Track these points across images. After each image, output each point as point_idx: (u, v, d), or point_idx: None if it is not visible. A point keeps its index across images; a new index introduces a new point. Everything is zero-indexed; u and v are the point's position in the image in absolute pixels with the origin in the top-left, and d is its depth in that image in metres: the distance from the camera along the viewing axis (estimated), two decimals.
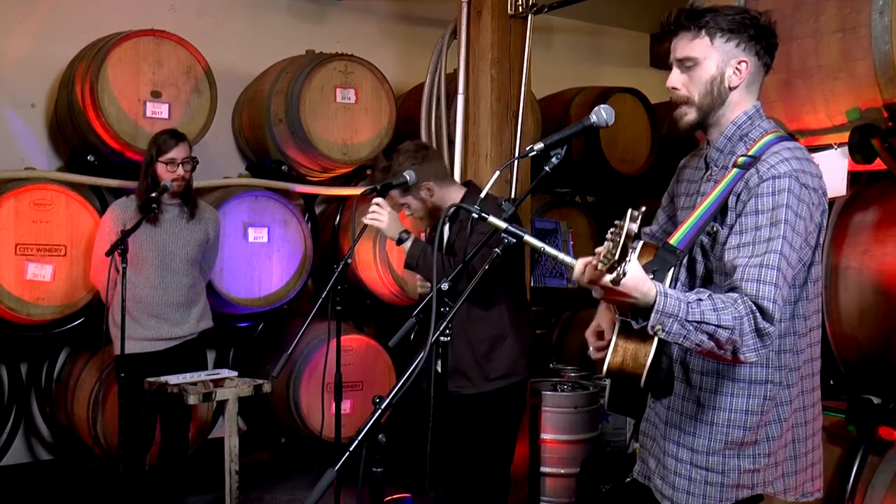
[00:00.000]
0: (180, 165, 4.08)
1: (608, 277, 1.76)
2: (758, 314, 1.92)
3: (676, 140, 5.98)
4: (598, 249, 1.82)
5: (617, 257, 1.71)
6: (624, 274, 1.74)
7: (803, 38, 3.07)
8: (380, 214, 3.47)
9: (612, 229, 1.75)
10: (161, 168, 4.06)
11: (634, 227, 1.70)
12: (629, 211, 1.70)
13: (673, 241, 2.06)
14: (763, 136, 2.13)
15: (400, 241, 3.49)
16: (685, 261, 2.16)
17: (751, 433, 2.13)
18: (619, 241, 1.71)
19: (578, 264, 1.91)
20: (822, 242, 2.13)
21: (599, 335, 2.30)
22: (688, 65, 2.14)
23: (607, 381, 2.12)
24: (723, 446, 2.15)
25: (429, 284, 3.58)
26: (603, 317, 2.33)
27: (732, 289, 1.97)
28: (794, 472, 2.19)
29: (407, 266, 3.51)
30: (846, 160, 3.05)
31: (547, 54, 6.56)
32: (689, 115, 2.16)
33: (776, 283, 1.95)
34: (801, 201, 2.01)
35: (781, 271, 1.96)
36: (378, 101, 5.44)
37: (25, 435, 5.14)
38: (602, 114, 2.30)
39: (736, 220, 2.06)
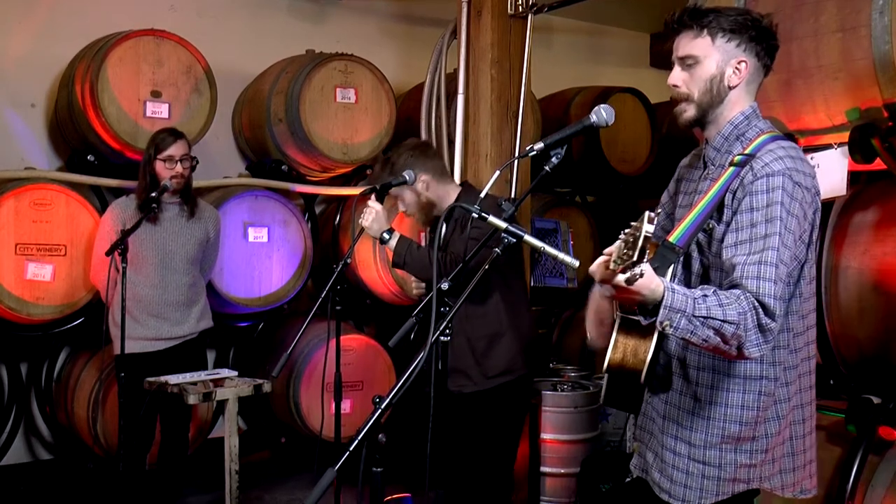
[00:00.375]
0: (178, 162, 4.07)
1: (622, 277, 1.79)
2: (760, 310, 1.96)
3: (676, 140, 5.99)
4: (610, 249, 1.85)
5: (635, 258, 1.74)
6: (641, 274, 1.78)
7: (803, 38, 3.07)
8: (367, 214, 3.46)
9: (626, 230, 1.78)
10: (159, 165, 4.07)
11: (651, 228, 1.73)
12: (646, 213, 1.73)
13: (672, 238, 2.09)
14: (759, 135, 2.18)
15: (382, 241, 3.48)
16: (681, 258, 2.19)
17: (748, 428, 2.16)
18: (634, 243, 1.74)
19: (597, 261, 1.94)
20: (815, 240, 2.17)
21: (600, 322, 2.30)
22: (689, 63, 2.19)
23: (605, 377, 2.13)
24: (719, 440, 2.17)
25: (423, 285, 3.58)
26: (596, 304, 2.31)
27: (733, 286, 2.01)
28: (792, 468, 2.22)
29: (394, 264, 3.50)
30: (846, 160, 3.05)
31: (547, 54, 6.56)
32: (689, 111, 2.21)
33: (775, 280, 1.99)
34: (793, 199, 2.06)
35: (779, 268, 2.01)
36: (378, 101, 5.44)
37: (25, 435, 5.14)
38: (602, 113, 2.31)
39: (732, 218, 2.09)
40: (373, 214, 3.45)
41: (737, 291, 1.98)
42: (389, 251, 3.51)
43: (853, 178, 3.19)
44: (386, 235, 3.46)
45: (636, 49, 7.72)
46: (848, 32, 2.94)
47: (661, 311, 1.90)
